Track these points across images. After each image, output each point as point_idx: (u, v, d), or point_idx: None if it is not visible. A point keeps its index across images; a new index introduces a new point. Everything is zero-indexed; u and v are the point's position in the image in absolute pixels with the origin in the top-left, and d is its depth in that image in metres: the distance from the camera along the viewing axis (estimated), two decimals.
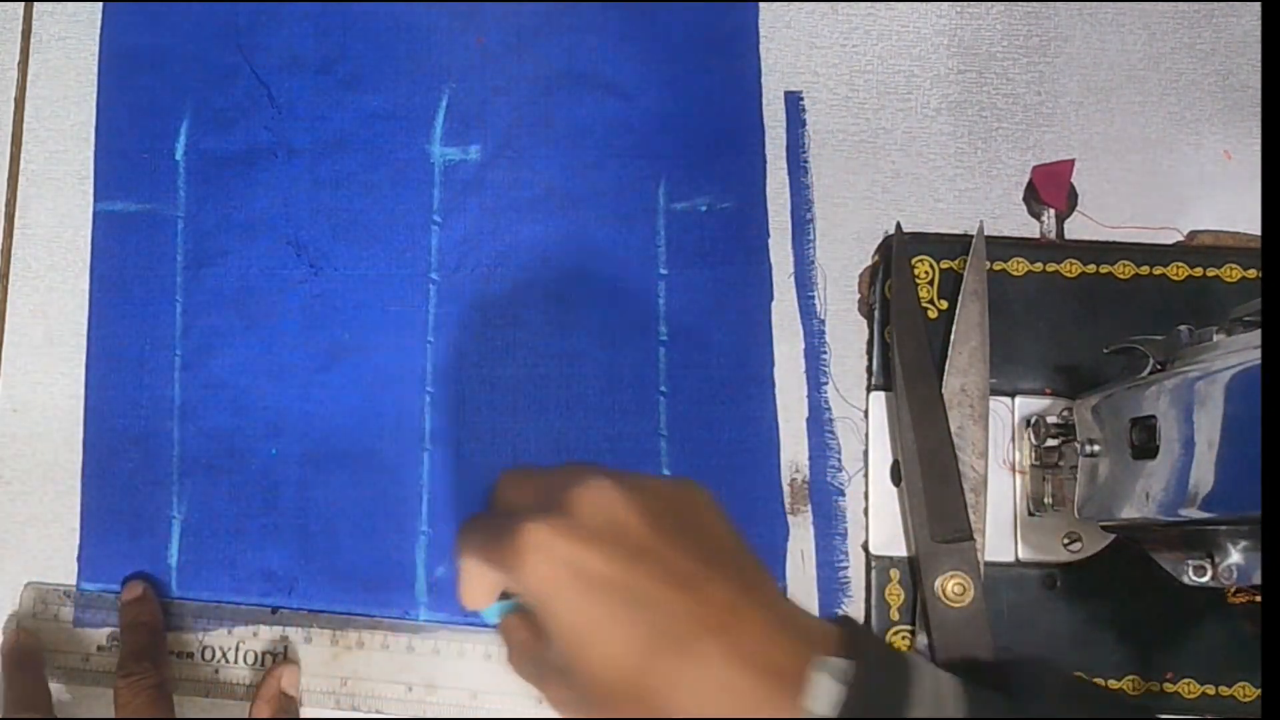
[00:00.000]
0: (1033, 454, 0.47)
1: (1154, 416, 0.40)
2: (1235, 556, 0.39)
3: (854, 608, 0.47)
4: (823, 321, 0.49)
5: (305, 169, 0.49)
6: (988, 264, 0.48)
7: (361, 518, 0.47)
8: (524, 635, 0.37)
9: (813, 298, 0.49)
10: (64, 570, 0.48)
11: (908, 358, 0.46)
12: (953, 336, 0.47)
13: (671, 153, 0.49)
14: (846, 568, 0.47)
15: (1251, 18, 0.52)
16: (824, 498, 0.48)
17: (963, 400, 0.46)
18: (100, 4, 0.51)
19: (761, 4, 0.51)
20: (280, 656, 0.46)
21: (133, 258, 0.49)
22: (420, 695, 0.46)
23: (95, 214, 0.49)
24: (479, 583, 0.37)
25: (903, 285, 0.47)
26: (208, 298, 0.49)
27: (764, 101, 0.50)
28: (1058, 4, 0.51)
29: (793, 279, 0.49)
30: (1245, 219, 0.50)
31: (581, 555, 0.33)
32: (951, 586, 0.44)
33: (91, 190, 0.50)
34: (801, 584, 0.47)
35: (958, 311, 0.47)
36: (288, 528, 0.47)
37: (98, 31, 0.51)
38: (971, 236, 0.48)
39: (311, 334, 0.48)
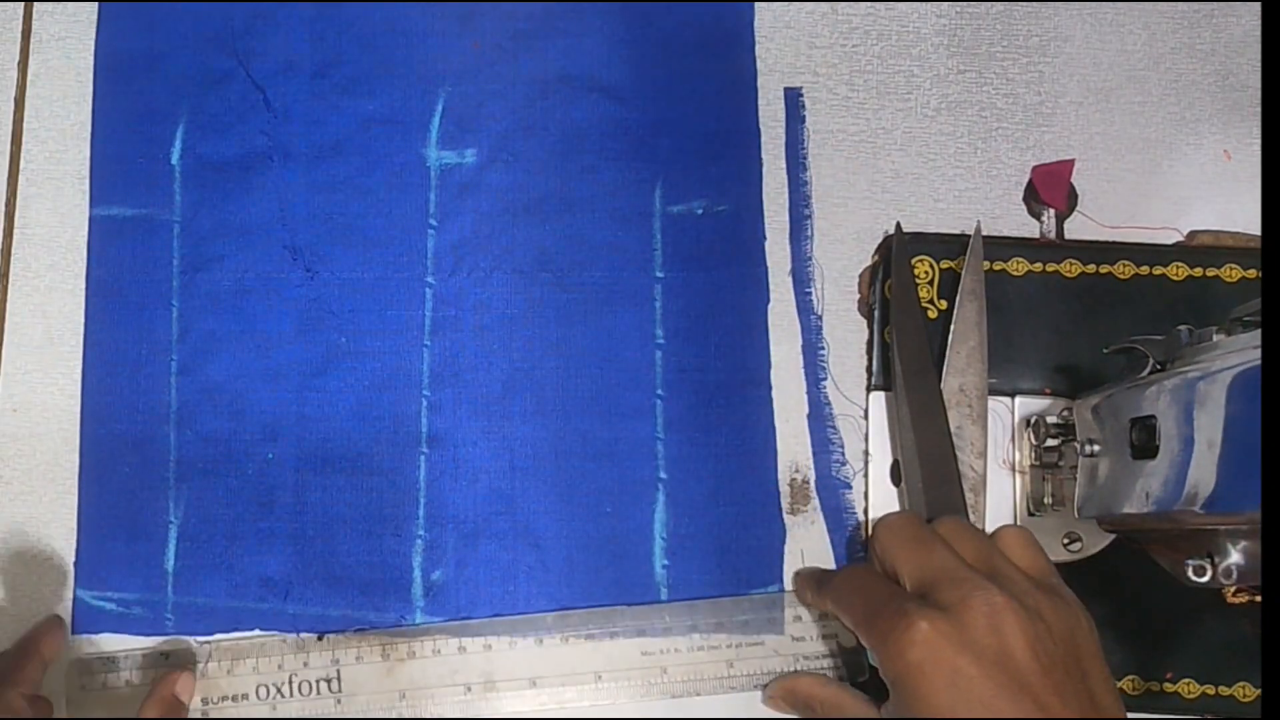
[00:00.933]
0: (1033, 454, 0.47)
1: (1154, 416, 0.40)
2: (1235, 556, 0.39)
3: None
4: (820, 318, 0.49)
5: (301, 173, 0.49)
6: (987, 264, 0.48)
7: (358, 522, 0.47)
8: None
9: (810, 294, 0.49)
10: (63, 571, 0.48)
11: (908, 358, 0.46)
12: (950, 336, 0.47)
13: (668, 156, 0.49)
14: (861, 559, 0.47)
15: (1251, 18, 0.52)
16: (830, 493, 0.48)
17: (961, 400, 0.46)
18: (97, 4, 0.51)
19: (761, 4, 0.51)
20: (335, 680, 0.46)
21: (129, 262, 0.49)
22: (479, 694, 0.46)
23: (91, 218, 0.49)
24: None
25: (903, 285, 0.47)
26: (204, 302, 0.49)
27: (764, 100, 0.50)
28: (1058, 4, 0.51)
29: (790, 276, 0.49)
30: (1245, 219, 0.50)
31: (966, 670, 0.36)
32: None
33: (90, 192, 0.50)
34: None
35: (955, 311, 0.47)
36: (284, 532, 0.47)
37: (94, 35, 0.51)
38: (970, 236, 0.48)
39: (308, 338, 0.48)
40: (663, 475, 0.48)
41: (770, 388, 0.48)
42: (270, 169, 0.49)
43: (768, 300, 0.49)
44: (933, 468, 0.45)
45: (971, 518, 0.45)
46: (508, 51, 0.50)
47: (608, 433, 0.48)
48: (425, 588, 0.47)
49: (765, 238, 0.49)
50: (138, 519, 0.48)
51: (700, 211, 0.49)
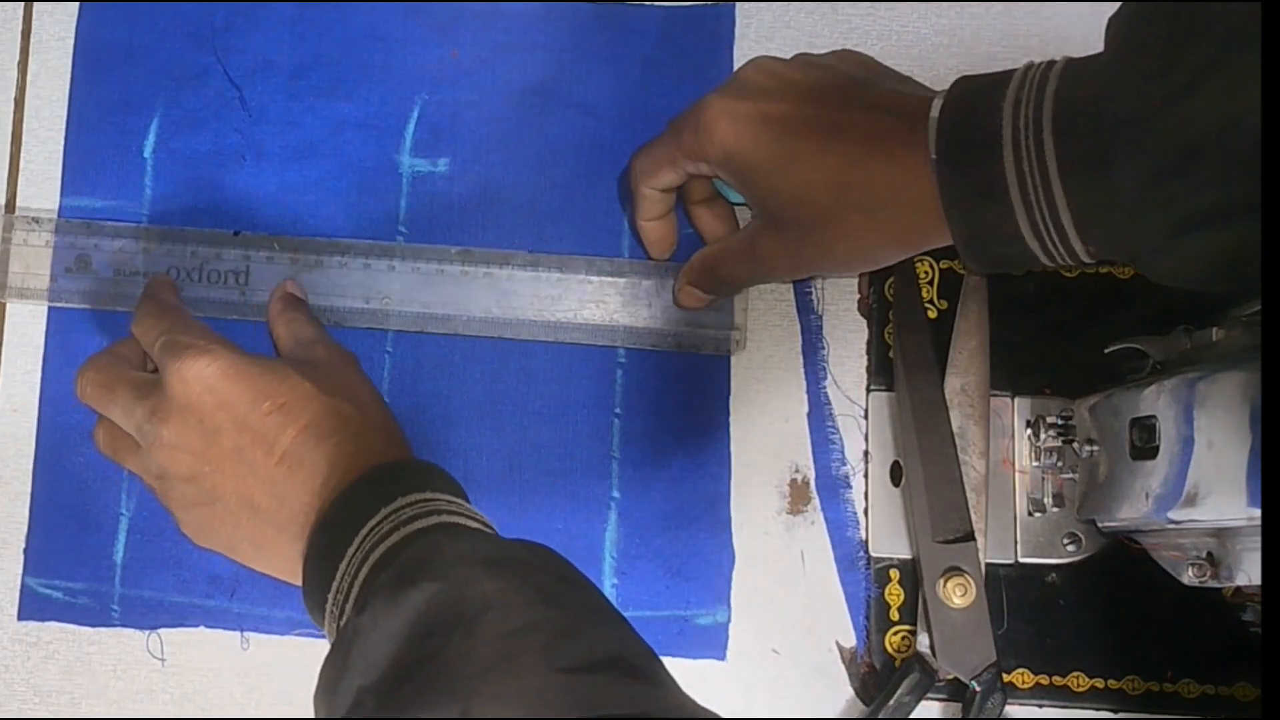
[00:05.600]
0: (1033, 454, 0.47)
1: (1154, 416, 0.40)
2: (1235, 556, 0.39)
3: (855, 606, 0.47)
4: (820, 318, 0.49)
5: (273, 173, 0.49)
6: None
7: None
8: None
9: (810, 294, 0.49)
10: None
11: (910, 358, 0.46)
12: (953, 336, 0.47)
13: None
14: (864, 559, 0.47)
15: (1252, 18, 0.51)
16: (830, 493, 0.48)
17: (963, 400, 0.46)
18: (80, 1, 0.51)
19: (761, 4, 0.51)
20: (244, 274, 0.48)
21: (95, 253, 0.49)
22: (378, 306, 0.48)
23: (60, 208, 0.49)
24: (656, 206, 0.46)
25: (905, 285, 0.47)
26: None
27: None
28: (1058, 4, 0.51)
29: None
30: None
31: (764, 108, 0.40)
32: (953, 587, 0.44)
33: (62, 181, 0.50)
34: (801, 585, 0.47)
35: (958, 311, 0.47)
36: None
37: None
38: None
39: (270, 339, 0.48)
40: (616, 494, 0.48)
41: (729, 413, 0.48)
42: (242, 167, 0.49)
43: (732, 325, 0.49)
44: (934, 468, 0.45)
45: (973, 517, 0.45)
46: (486, 62, 0.50)
47: (563, 449, 0.48)
48: None
49: None
50: (89, 510, 0.48)
51: None
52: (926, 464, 0.45)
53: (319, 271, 0.48)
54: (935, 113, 0.36)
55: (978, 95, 0.36)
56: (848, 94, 0.40)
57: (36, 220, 0.48)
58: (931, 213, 0.37)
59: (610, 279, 0.48)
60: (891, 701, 0.45)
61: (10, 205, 0.50)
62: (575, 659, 0.30)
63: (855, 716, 0.46)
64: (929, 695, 0.45)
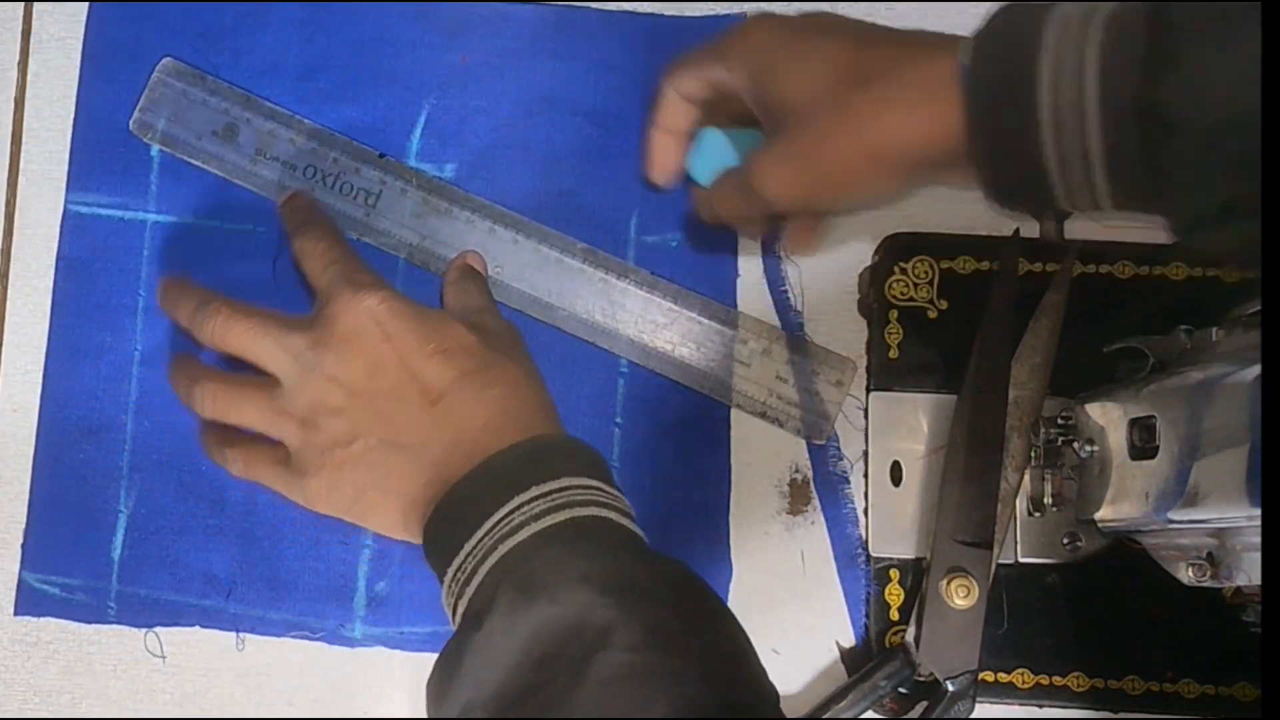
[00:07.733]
0: (1033, 454, 0.47)
1: (1154, 416, 0.40)
2: (1235, 556, 0.39)
3: (855, 606, 0.47)
4: (800, 313, 0.49)
5: (279, 174, 0.49)
6: (986, 264, 0.48)
7: (306, 526, 0.47)
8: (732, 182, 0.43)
9: (785, 292, 0.49)
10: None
11: (986, 359, 0.45)
12: (1019, 349, 0.46)
13: (646, 185, 0.49)
14: (864, 559, 0.47)
15: None
16: (830, 493, 0.48)
17: (1013, 412, 0.46)
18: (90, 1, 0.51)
19: (762, 2, 0.51)
20: (375, 196, 0.48)
21: (99, 249, 0.49)
22: (489, 273, 0.48)
23: (65, 205, 0.49)
24: (676, 114, 0.46)
25: (1002, 287, 0.46)
26: None
27: None
28: (1055, 4, 0.51)
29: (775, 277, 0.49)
30: None
31: (800, 19, 0.42)
32: (956, 587, 0.44)
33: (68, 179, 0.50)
34: (801, 584, 0.47)
35: (1030, 325, 0.46)
36: (232, 531, 0.47)
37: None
38: (970, 236, 0.48)
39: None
40: None
41: (729, 426, 0.48)
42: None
43: (734, 337, 0.48)
44: (976, 472, 0.44)
45: (997, 529, 0.45)
46: (495, 69, 0.50)
47: None
48: (368, 598, 0.47)
49: (739, 275, 0.49)
50: (89, 506, 0.48)
51: (675, 244, 0.49)
52: (969, 465, 0.44)
53: (445, 219, 0.48)
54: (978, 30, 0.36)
55: (1022, 12, 0.35)
56: (886, 30, 0.41)
57: (200, 76, 0.49)
58: (950, 113, 0.36)
59: (720, 327, 0.48)
60: (867, 684, 0.44)
61: (10, 204, 0.50)
62: (672, 713, 0.30)
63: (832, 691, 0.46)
64: (902, 689, 0.45)
